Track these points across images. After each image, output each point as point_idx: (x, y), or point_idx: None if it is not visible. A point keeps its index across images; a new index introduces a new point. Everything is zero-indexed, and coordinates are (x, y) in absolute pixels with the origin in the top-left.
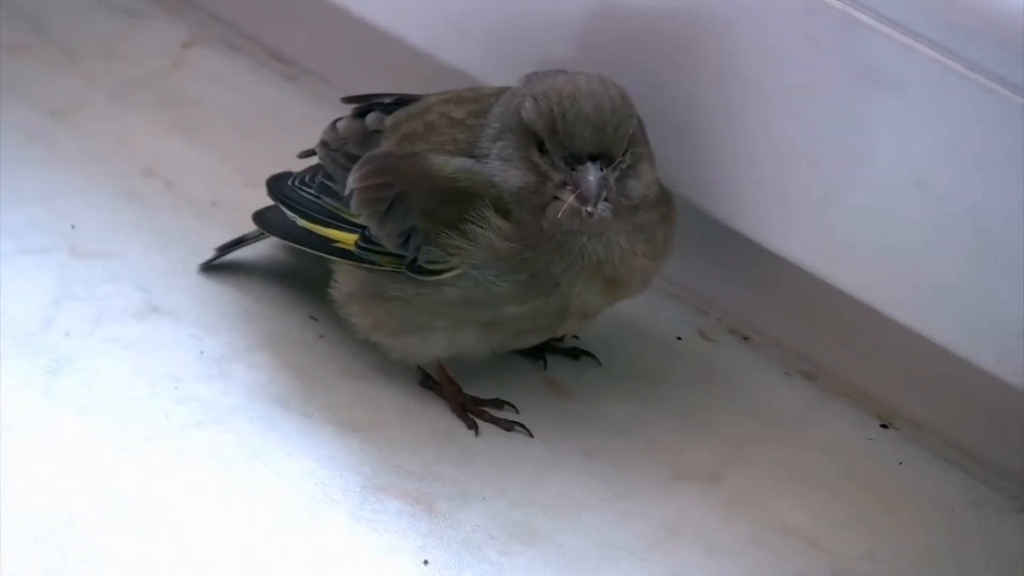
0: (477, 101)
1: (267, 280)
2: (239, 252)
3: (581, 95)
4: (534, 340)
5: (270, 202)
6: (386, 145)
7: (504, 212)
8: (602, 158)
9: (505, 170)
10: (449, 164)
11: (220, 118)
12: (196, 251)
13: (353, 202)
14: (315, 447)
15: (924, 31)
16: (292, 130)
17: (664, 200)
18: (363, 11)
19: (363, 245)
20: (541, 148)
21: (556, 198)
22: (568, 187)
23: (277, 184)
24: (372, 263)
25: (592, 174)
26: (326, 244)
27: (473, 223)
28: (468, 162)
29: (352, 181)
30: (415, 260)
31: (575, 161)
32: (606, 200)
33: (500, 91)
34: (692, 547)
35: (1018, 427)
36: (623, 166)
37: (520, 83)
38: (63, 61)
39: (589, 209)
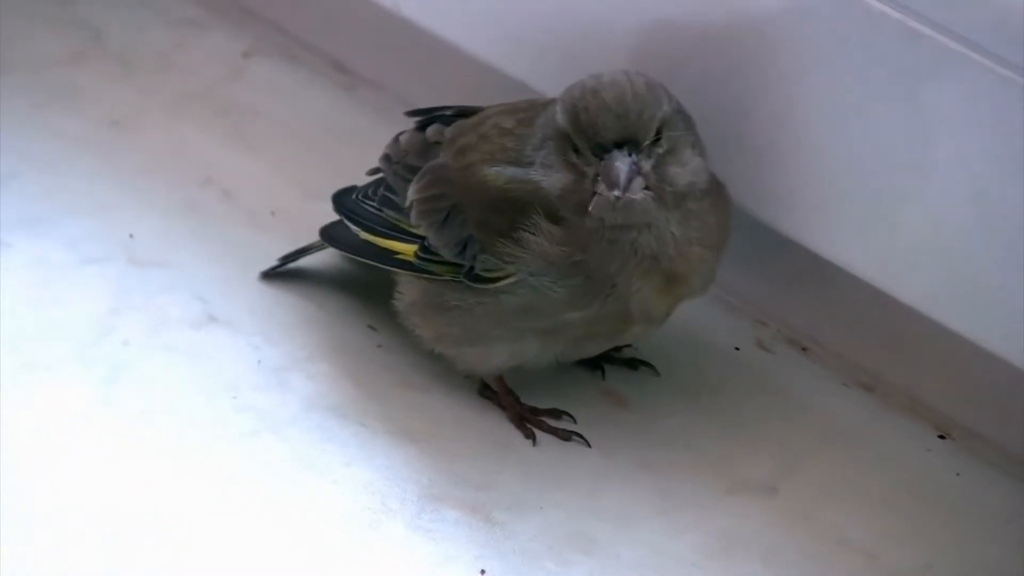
0: (528, 110)
1: (325, 289)
2: (297, 261)
3: (602, 87)
4: (597, 349)
5: (329, 212)
6: (444, 157)
7: (555, 218)
8: (628, 144)
9: (548, 175)
10: (502, 174)
11: (278, 128)
12: (254, 261)
13: (413, 213)
14: (372, 457)
15: (985, 43)
16: (351, 141)
17: (715, 188)
18: (423, 21)
19: (422, 255)
20: (576, 148)
21: (595, 194)
22: (600, 178)
23: (342, 198)
24: (432, 273)
25: (618, 159)
26: (387, 256)
27: (526, 230)
28: (520, 171)
29: (412, 192)
30: (472, 268)
31: (602, 151)
32: (647, 189)
33: (552, 101)
34: (749, 559)
35: None
36: (659, 151)
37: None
38: (121, 71)
39: (616, 193)
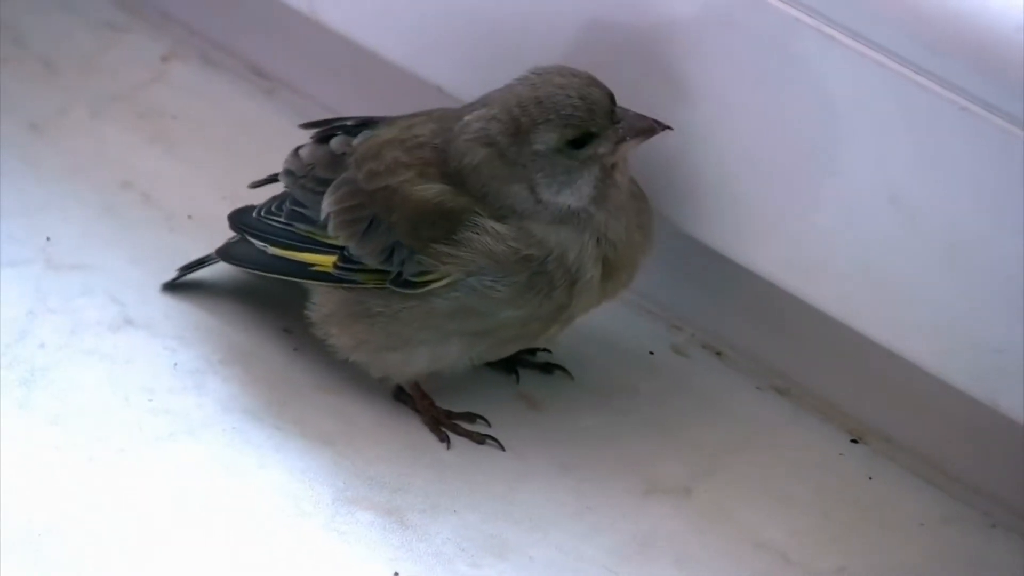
0: (421, 148)
1: (242, 293)
2: (213, 266)
3: (554, 77)
4: (513, 350)
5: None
6: (353, 173)
7: (499, 216)
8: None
9: (576, 191)
10: (429, 189)
11: (198, 132)
12: (171, 264)
13: (330, 225)
14: (287, 460)
15: (898, 49)
16: (270, 144)
17: None
18: (341, 26)
19: (342, 265)
20: (576, 145)
21: (614, 165)
22: (626, 139)
23: (241, 217)
24: (353, 282)
25: (628, 111)
26: (303, 269)
27: (468, 231)
28: (447, 188)
29: (327, 205)
30: (400, 274)
31: (613, 115)
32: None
33: (437, 130)
34: (664, 561)
35: (989, 442)
36: None
37: (469, 109)
38: (43, 74)
39: (665, 124)
